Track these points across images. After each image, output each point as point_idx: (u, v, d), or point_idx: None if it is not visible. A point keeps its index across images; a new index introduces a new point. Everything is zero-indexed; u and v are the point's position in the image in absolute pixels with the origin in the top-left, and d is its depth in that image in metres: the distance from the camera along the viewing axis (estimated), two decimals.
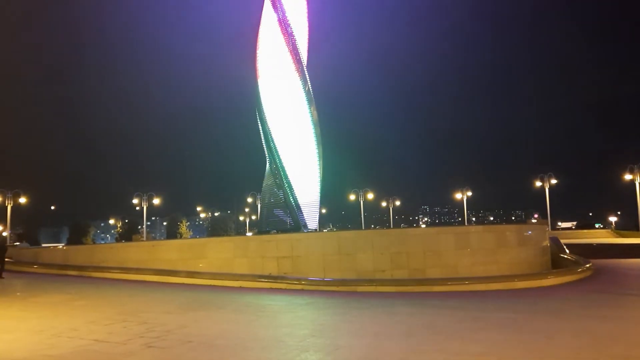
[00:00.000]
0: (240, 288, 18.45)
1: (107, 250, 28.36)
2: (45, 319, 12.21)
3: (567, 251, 26.47)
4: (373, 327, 11.11)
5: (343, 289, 17.50)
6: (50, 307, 14.48)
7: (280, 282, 18.46)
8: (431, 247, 19.91)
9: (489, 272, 18.76)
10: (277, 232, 29.82)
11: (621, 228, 74.10)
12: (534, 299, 15.06)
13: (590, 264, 21.59)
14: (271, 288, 18.13)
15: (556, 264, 23.21)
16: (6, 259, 26.97)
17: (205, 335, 10.06)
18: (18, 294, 18.15)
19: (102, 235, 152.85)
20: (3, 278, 21.71)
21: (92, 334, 10.16)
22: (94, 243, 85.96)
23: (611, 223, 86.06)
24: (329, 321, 12.15)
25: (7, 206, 49.87)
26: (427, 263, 19.38)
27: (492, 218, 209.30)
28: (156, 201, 64.07)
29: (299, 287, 18.09)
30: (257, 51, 33.44)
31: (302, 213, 32.14)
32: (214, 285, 19.11)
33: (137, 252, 24.74)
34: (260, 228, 38.48)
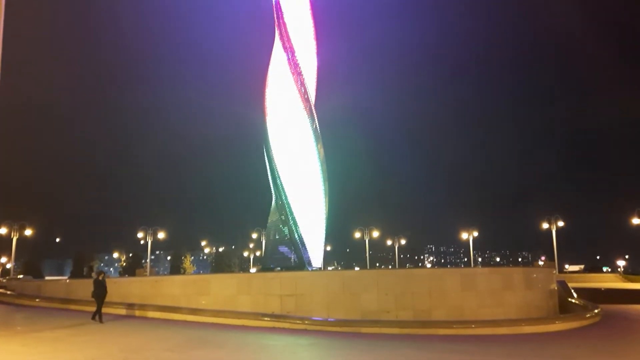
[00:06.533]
0: (243, 326, 18.24)
1: (110, 284, 28.15)
2: (45, 354, 12.12)
3: (575, 295, 26.07)
4: None
5: (347, 329, 17.26)
6: (51, 342, 14.36)
7: (283, 321, 18.24)
8: (437, 288, 19.69)
9: (495, 315, 18.48)
10: (281, 269, 29.67)
11: (629, 272, 73.30)
12: (541, 345, 14.78)
13: (599, 309, 21.21)
14: (274, 327, 17.91)
15: (564, 308, 22.82)
16: (8, 292, 26.81)
17: None
18: (19, 328, 18.02)
19: (106, 268, 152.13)
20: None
21: None
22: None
23: (619, 267, 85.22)
24: None
25: (12, 238, 50.03)
26: (433, 304, 19.13)
27: (498, 259, 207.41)
28: (161, 235, 63.96)
29: (302, 326, 17.86)
30: (266, 89, 34.17)
31: (306, 250, 32.11)
32: (216, 323, 18.90)
33: (141, 287, 24.62)
34: (265, 264, 38.31)
